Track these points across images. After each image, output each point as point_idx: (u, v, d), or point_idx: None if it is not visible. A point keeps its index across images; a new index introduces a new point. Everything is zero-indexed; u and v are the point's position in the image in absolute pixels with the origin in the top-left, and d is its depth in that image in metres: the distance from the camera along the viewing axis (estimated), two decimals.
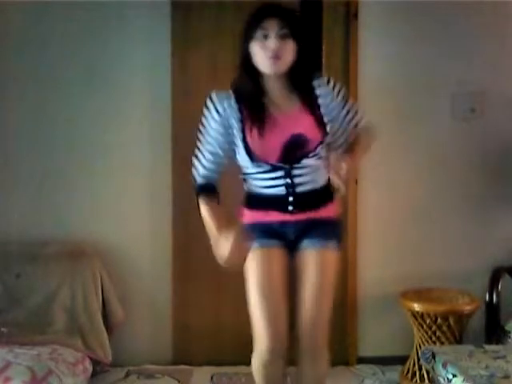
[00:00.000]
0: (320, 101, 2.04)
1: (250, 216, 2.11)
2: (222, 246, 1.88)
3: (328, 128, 2.03)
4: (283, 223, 2.06)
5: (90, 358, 2.74)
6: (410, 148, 3.16)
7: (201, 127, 2.06)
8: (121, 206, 3.18)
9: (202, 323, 3.18)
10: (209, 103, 2.04)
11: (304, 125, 2.00)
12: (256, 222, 2.08)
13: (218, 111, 2.02)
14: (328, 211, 2.08)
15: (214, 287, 3.14)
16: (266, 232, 2.05)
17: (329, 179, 2.01)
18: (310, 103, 2.03)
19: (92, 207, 3.17)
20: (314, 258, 2.02)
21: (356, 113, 2.12)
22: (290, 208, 2.03)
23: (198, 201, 2.05)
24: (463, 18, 3.11)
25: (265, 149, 1.99)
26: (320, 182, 2.06)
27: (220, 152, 2.04)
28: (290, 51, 1.97)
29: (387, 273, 3.16)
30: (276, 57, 1.94)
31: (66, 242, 3.09)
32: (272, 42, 1.94)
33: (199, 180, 2.09)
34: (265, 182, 2.05)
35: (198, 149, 2.09)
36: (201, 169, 2.08)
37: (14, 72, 3.13)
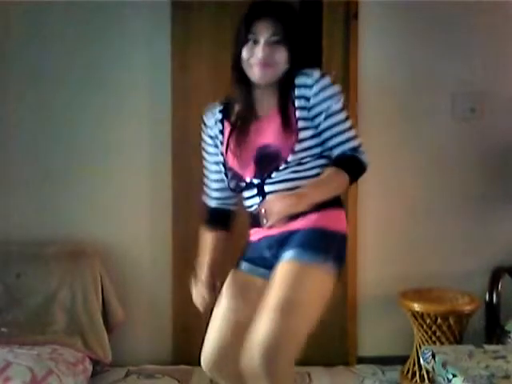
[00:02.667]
0: (298, 103, 1.80)
1: (250, 235, 1.96)
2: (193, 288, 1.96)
3: (303, 134, 1.78)
4: (260, 240, 1.87)
5: (90, 358, 2.75)
6: (409, 148, 3.16)
7: (203, 152, 2.01)
8: (121, 206, 3.18)
9: (202, 323, 3.18)
10: (202, 125, 1.97)
11: (274, 133, 1.79)
12: (251, 242, 1.94)
13: (209, 135, 1.95)
14: (309, 221, 1.76)
15: None
16: (255, 257, 1.89)
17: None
18: (287, 107, 1.80)
19: (92, 207, 3.17)
20: (285, 269, 1.70)
21: (345, 130, 1.80)
22: (264, 221, 1.69)
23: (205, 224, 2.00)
24: (463, 18, 3.11)
25: (240, 165, 1.85)
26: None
27: (225, 177, 1.92)
28: (281, 59, 1.78)
29: (387, 273, 3.16)
30: (264, 64, 1.76)
31: (66, 241, 3.09)
32: (260, 50, 1.76)
33: (210, 203, 2.02)
34: (246, 201, 1.91)
35: (206, 176, 2.02)
36: (211, 193, 2.01)
37: (13, 72, 3.13)
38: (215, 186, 2.00)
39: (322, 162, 1.83)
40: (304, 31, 1.86)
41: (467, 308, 2.80)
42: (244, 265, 1.92)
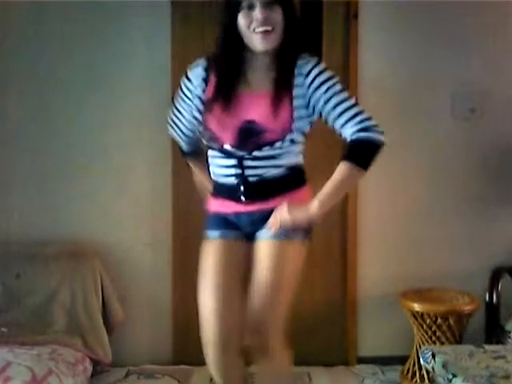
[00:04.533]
0: (296, 92, 1.84)
1: (212, 205, 2.04)
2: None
3: (296, 124, 1.84)
4: (237, 214, 1.95)
5: (90, 358, 2.74)
6: (409, 148, 3.16)
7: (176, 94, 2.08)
8: (121, 206, 3.18)
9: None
10: (184, 78, 2.01)
11: (262, 112, 1.83)
12: (216, 212, 2.01)
13: (187, 77, 2.00)
14: (287, 199, 1.88)
15: None
16: (225, 223, 1.97)
17: (289, 168, 1.90)
18: (282, 91, 1.83)
19: (92, 207, 3.17)
20: (267, 249, 1.85)
21: (348, 108, 1.83)
22: (243, 198, 1.91)
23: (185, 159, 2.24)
24: (463, 18, 3.11)
25: (220, 129, 1.87)
26: (276, 172, 1.90)
27: (194, 121, 2.01)
28: (279, 20, 1.80)
29: (387, 273, 3.16)
30: (266, 30, 1.77)
31: (66, 241, 3.09)
32: (259, 12, 1.76)
33: (183, 145, 2.20)
34: (219, 169, 1.96)
35: (175, 109, 2.10)
36: (181, 130, 2.12)
37: (13, 72, 3.13)
38: (185, 131, 2.11)
39: (301, 147, 1.95)
40: (291, 3, 1.87)
41: (467, 308, 2.80)
42: (217, 233, 1.97)
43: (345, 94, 1.85)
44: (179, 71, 3.09)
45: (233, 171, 1.92)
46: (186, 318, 3.16)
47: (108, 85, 3.14)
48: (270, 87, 1.85)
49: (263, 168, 1.89)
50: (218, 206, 2.01)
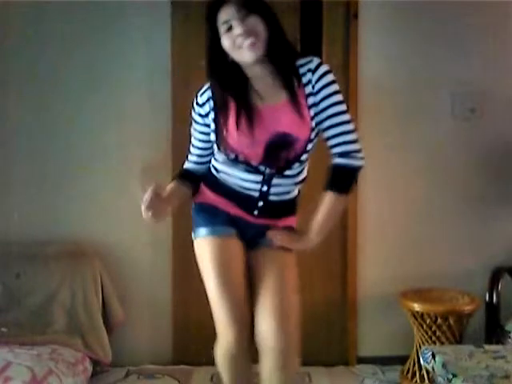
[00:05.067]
0: (307, 89, 1.84)
1: (209, 197, 2.01)
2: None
3: (312, 124, 1.85)
4: (244, 221, 1.97)
5: (90, 358, 2.75)
6: (409, 148, 3.16)
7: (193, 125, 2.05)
8: (121, 206, 3.17)
9: (202, 323, 3.18)
10: (194, 103, 1.98)
11: (290, 121, 1.82)
12: (215, 205, 1.98)
13: (199, 113, 1.95)
14: (288, 222, 2.02)
15: None
16: (223, 219, 1.96)
17: (298, 188, 2.01)
18: (296, 92, 1.82)
19: (92, 207, 3.17)
20: (275, 257, 1.93)
21: (342, 133, 1.86)
22: (256, 212, 1.96)
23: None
24: (463, 18, 3.11)
25: (244, 146, 1.84)
26: (292, 193, 2.00)
27: (206, 146, 2.01)
28: (260, 29, 1.77)
29: (387, 273, 3.16)
30: (251, 43, 1.75)
31: (66, 241, 3.09)
32: (237, 29, 1.75)
33: (185, 166, 2.12)
34: (238, 181, 1.94)
35: (191, 143, 2.09)
36: (191, 158, 2.10)
37: (13, 72, 3.13)
38: (195, 158, 2.08)
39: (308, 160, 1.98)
40: (268, 8, 1.84)
41: (467, 308, 2.80)
42: (207, 229, 1.97)
43: (343, 115, 1.87)
44: (179, 71, 3.12)
45: (257, 187, 1.93)
46: (185, 318, 3.16)
47: (108, 85, 3.14)
48: (285, 96, 1.83)
49: (287, 186, 1.96)
50: (219, 202, 1.99)
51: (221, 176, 1.99)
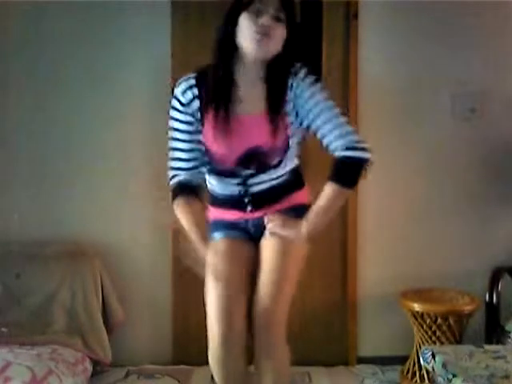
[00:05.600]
0: (290, 106, 1.83)
1: (213, 212, 2.04)
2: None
3: (293, 140, 1.87)
4: (245, 220, 1.98)
5: (90, 358, 2.75)
6: (410, 148, 3.16)
7: (169, 124, 1.95)
8: (121, 206, 3.18)
9: (202, 323, 3.18)
10: (174, 100, 1.91)
11: (263, 134, 1.82)
12: (219, 218, 2.01)
13: (180, 102, 1.89)
14: (291, 200, 1.96)
15: None
16: (229, 225, 1.98)
17: (289, 171, 1.94)
18: (278, 106, 1.82)
19: (92, 207, 3.17)
20: (273, 246, 1.87)
21: (336, 125, 1.82)
22: (249, 208, 1.96)
23: (174, 199, 1.95)
24: (463, 18, 3.11)
25: (219, 152, 1.86)
26: (280, 180, 1.94)
27: (195, 145, 1.90)
28: (280, 36, 1.77)
29: (387, 273, 3.16)
30: (266, 34, 1.73)
31: (65, 241, 3.09)
32: (265, 19, 1.73)
33: (178, 177, 1.95)
34: (220, 185, 1.97)
35: (171, 148, 1.97)
36: (179, 165, 1.95)
37: (13, 72, 3.13)
38: (185, 155, 1.94)
39: (297, 151, 1.97)
40: (297, 24, 1.85)
41: (467, 308, 2.80)
42: (221, 234, 1.97)
43: (333, 109, 1.83)
44: (179, 71, 3.11)
45: (236, 188, 1.94)
46: (185, 318, 3.16)
47: (108, 85, 3.14)
48: (265, 107, 1.83)
49: (267, 182, 1.93)
50: (221, 214, 2.02)
51: (211, 188, 2.02)
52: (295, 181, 2.00)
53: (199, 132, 1.89)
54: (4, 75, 3.13)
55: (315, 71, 1.92)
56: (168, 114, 2.99)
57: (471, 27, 3.11)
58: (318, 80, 1.85)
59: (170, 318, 3.20)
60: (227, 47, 1.81)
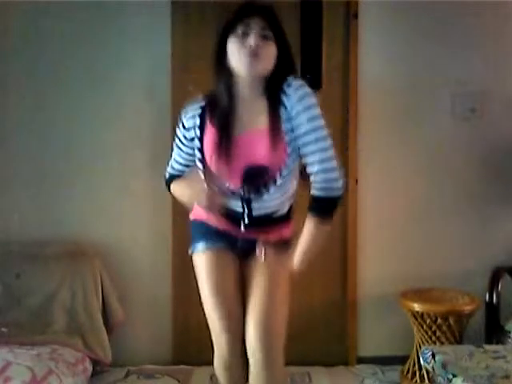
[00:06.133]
0: (286, 114, 1.83)
1: (201, 213, 2.03)
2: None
3: (291, 158, 1.85)
4: (234, 235, 1.99)
5: (90, 358, 2.75)
6: (409, 148, 3.16)
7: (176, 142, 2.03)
8: (121, 206, 3.18)
9: (202, 323, 3.18)
10: (179, 123, 1.97)
11: (263, 151, 1.83)
12: (206, 221, 2.02)
13: (183, 125, 1.95)
14: (280, 232, 2.01)
15: None
16: (215, 234, 1.99)
17: (287, 197, 1.97)
18: (275, 121, 1.83)
19: (92, 207, 3.17)
20: (265, 267, 1.93)
21: (321, 150, 1.81)
22: (242, 228, 1.95)
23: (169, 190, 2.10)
24: (463, 18, 3.11)
25: (225, 174, 1.89)
26: (278, 210, 1.97)
27: (191, 162, 2.00)
28: (270, 54, 1.81)
29: (387, 273, 3.16)
30: (255, 55, 1.77)
31: (66, 241, 3.09)
32: (252, 39, 1.77)
33: (170, 173, 2.12)
34: (225, 201, 1.96)
35: (173, 157, 2.09)
36: (173, 172, 2.11)
37: (13, 72, 3.14)
38: (181, 168, 2.07)
39: (295, 173, 1.95)
40: (286, 40, 1.87)
41: (467, 308, 2.80)
42: (204, 245, 2.00)
43: (319, 131, 1.81)
44: (179, 71, 3.12)
45: (239, 208, 1.94)
46: (185, 318, 3.16)
47: (108, 85, 3.14)
48: (264, 122, 1.84)
49: (269, 206, 1.94)
50: (209, 219, 2.01)
51: None
52: (288, 213, 2.03)
53: (199, 150, 1.93)
54: (4, 75, 3.13)
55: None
56: (168, 114, 3.00)
57: (471, 27, 3.12)
58: (308, 93, 1.82)
59: (170, 318, 3.20)
60: (224, 72, 1.85)
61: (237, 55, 1.80)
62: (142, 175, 3.16)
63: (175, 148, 2.04)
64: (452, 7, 3.08)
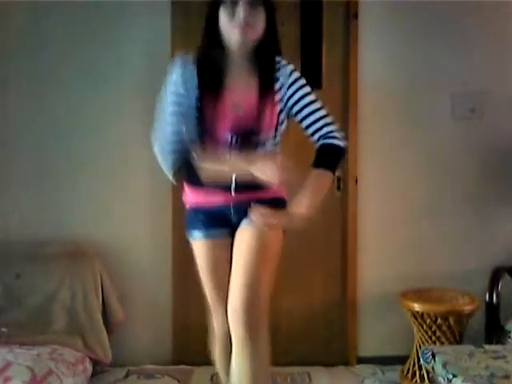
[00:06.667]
0: (278, 85, 1.93)
1: (192, 198, 2.05)
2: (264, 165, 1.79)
3: (282, 116, 1.94)
4: (226, 205, 1.99)
5: (90, 358, 2.75)
6: (409, 148, 3.16)
7: (162, 93, 2.02)
8: (121, 206, 3.18)
9: (202, 323, 3.18)
10: (174, 74, 2.00)
11: (255, 116, 1.90)
12: (199, 206, 2.03)
13: (178, 74, 1.98)
14: (272, 191, 1.96)
15: None
16: (210, 219, 2.01)
17: None
18: (267, 89, 1.91)
19: (92, 207, 3.17)
20: (251, 233, 1.90)
21: (317, 110, 1.93)
22: (232, 192, 1.96)
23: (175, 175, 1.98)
24: (463, 18, 3.11)
25: (216, 131, 1.91)
26: None
27: (186, 111, 1.96)
28: (260, 20, 1.85)
29: (387, 273, 3.16)
30: (245, 24, 1.81)
31: (66, 241, 3.09)
32: (241, 10, 1.81)
33: (174, 151, 1.97)
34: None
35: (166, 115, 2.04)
36: (172, 136, 2.01)
37: (13, 72, 3.14)
38: (178, 136, 2.00)
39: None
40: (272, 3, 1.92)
41: (467, 308, 2.80)
42: (201, 233, 2.03)
43: (314, 97, 1.94)
44: None
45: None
46: (185, 318, 3.16)
47: (108, 85, 3.14)
48: (258, 90, 1.91)
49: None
50: (202, 198, 2.02)
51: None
52: None
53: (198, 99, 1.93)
54: (4, 75, 3.13)
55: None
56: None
57: (471, 27, 3.12)
58: (301, 77, 1.96)
59: (170, 318, 3.20)
60: (214, 39, 1.90)
61: (227, 24, 1.85)
62: (142, 175, 3.16)
63: (169, 107, 2.03)
64: (452, 7, 3.09)
